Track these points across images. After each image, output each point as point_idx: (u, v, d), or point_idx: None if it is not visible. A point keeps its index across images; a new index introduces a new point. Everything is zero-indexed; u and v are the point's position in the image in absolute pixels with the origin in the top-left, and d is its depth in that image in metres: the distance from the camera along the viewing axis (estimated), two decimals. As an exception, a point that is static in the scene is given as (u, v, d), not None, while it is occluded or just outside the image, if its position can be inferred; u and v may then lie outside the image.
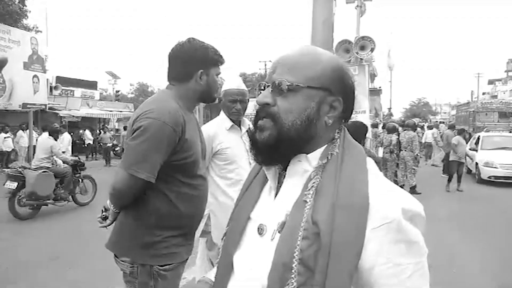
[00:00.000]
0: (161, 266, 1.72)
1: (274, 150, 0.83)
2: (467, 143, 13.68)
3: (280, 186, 0.87)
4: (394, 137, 9.53)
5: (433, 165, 14.80)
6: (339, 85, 0.85)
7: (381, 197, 0.75)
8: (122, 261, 1.75)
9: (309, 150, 0.84)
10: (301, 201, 0.78)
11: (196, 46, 1.80)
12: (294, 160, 0.85)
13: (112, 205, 1.78)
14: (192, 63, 1.79)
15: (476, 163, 11.59)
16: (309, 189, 0.79)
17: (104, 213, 1.86)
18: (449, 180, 9.80)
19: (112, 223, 1.81)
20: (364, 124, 3.84)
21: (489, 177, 10.79)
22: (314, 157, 0.84)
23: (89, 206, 7.70)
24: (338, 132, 0.87)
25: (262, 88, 0.87)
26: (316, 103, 0.83)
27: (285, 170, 0.86)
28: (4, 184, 6.56)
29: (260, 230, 0.84)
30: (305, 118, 0.82)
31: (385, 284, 0.73)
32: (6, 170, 7.36)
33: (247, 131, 2.65)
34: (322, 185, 0.78)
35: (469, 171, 12.40)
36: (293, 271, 0.73)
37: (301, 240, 0.74)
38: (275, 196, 0.87)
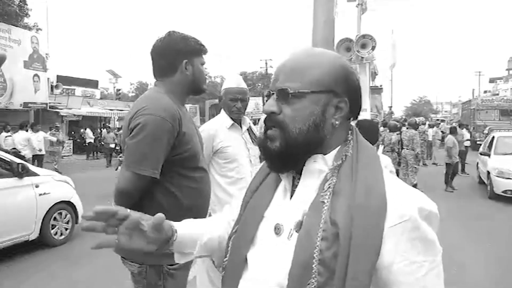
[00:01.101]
0: (171, 265, 1.70)
1: (287, 158, 0.84)
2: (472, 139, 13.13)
3: (295, 187, 0.87)
4: (394, 135, 9.52)
5: (434, 163, 14.75)
6: (343, 85, 0.85)
7: (398, 196, 0.76)
8: (130, 262, 1.73)
9: (324, 151, 0.85)
10: (319, 202, 0.79)
11: (176, 38, 1.79)
12: (309, 161, 0.85)
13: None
14: (175, 55, 1.77)
15: (488, 172, 8.80)
16: (325, 190, 0.80)
17: None
18: (446, 182, 9.63)
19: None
20: (375, 122, 3.83)
21: (505, 191, 8.17)
22: (330, 158, 0.84)
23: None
24: (350, 133, 0.88)
25: (268, 95, 0.88)
26: (322, 107, 0.83)
27: (300, 171, 0.87)
28: (116, 169, 8.96)
29: (277, 230, 0.84)
30: (312, 123, 0.82)
31: (402, 282, 0.73)
32: (118, 157, 9.48)
33: (247, 129, 2.65)
34: (338, 186, 0.79)
35: (481, 181, 10.10)
36: (313, 271, 0.73)
37: (320, 240, 0.75)
38: (291, 197, 0.87)
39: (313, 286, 0.73)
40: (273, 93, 0.86)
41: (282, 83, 0.84)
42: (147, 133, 1.61)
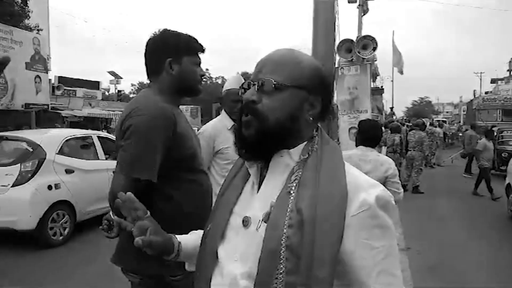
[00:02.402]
0: (173, 276, 1.62)
1: (259, 145, 0.88)
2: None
3: (262, 181, 0.91)
4: (397, 137, 9.51)
5: (438, 164, 14.68)
6: (319, 86, 0.91)
7: (358, 188, 0.83)
8: (130, 273, 1.66)
9: (291, 146, 0.90)
10: (285, 193, 0.84)
11: (166, 35, 1.71)
12: (276, 156, 0.90)
13: (114, 215, 1.64)
14: (161, 54, 1.68)
15: None
16: (292, 182, 0.85)
17: (105, 222, 1.70)
18: (477, 186, 8.94)
19: (118, 235, 1.68)
20: (378, 122, 3.80)
21: None
22: (296, 153, 0.89)
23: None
24: (316, 131, 0.93)
25: (247, 87, 0.92)
26: (299, 101, 0.89)
27: (267, 166, 0.91)
28: None
29: (245, 222, 0.88)
30: (289, 116, 0.88)
31: (363, 266, 0.79)
32: None
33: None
34: (304, 177, 0.85)
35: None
36: (281, 257, 0.78)
37: (287, 228, 0.79)
38: (258, 190, 0.91)
39: (281, 271, 0.77)
40: (254, 84, 0.90)
41: (265, 75, 0.89)
42: (140, 135, 1.54)
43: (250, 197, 0.92)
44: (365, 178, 0.87)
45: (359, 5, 12.15)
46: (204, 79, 38.95)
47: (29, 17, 17.77)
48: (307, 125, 0.91)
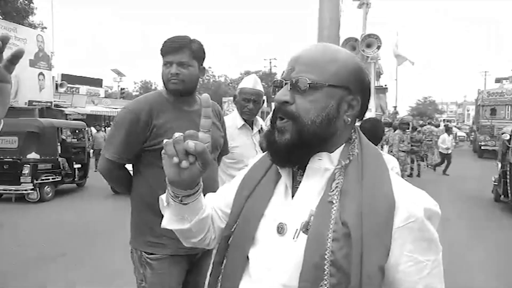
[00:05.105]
0: (148, 254, 1.75)
1: (293, 152, 0.81)
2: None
3: (297, 184, 0.85)
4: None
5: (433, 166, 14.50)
6: (357, 84, 0.84)
7: (405, 197, 0.77)
8: (130, 242, 1.85)
9: (330, 149, 0.83)
10: (326, 202, 0.78)
11: None
12: (314, 159, 0.83)
13: None
14: None
15: None
16: (333, 190, 0.79)
17: None
18: None
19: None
20: (379, 120, 3.78)
21: None
22: (335, 156, 0.83)
23: (100, 202, 7.88)
24: (354, 132, 0.87)
25: (278, 85, 0.84)
26: (336, 102, 0.82)
27: (301, 168, 0.85)
28: None
29: (280, 229, 0.82)
30: (325, 117, 0.80)
31: (407, 281, 0.75)
32: None
33: (259, 130, 2.64)
34: (346, 186, 0.78)
35: None
36: (325, 272, 0.73)
37: (331, 241, 0.74)
38: (293, 195, 0.85)
39: (325, 286, 0.73)
40: (286, 83, 0.83)
41: (298, 73, 0.81)
42: (114, 123, 1.83)
43: (284, 202, 0.86)
44: (411, 187, 0.81)
45: (363, 3, 12.11)
46: (207, 78, 38.82)
47: (34, 14, 17.81)
48: (345, 127, 0.84)
